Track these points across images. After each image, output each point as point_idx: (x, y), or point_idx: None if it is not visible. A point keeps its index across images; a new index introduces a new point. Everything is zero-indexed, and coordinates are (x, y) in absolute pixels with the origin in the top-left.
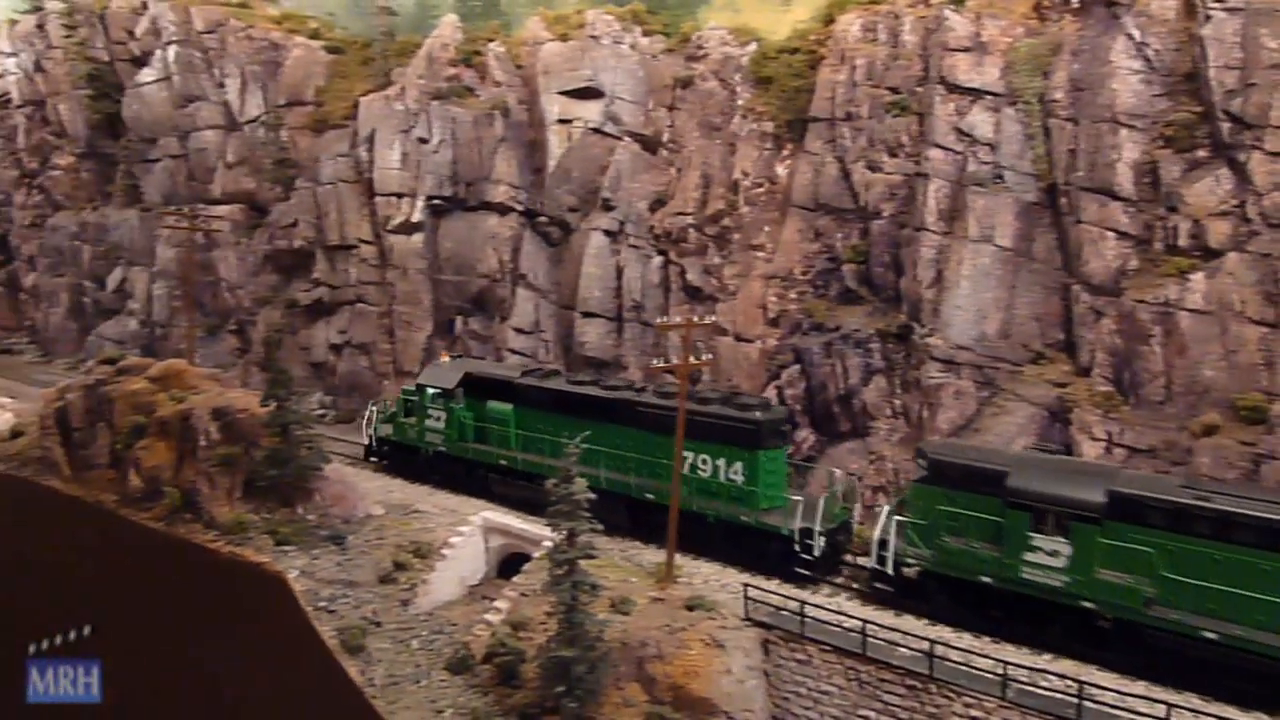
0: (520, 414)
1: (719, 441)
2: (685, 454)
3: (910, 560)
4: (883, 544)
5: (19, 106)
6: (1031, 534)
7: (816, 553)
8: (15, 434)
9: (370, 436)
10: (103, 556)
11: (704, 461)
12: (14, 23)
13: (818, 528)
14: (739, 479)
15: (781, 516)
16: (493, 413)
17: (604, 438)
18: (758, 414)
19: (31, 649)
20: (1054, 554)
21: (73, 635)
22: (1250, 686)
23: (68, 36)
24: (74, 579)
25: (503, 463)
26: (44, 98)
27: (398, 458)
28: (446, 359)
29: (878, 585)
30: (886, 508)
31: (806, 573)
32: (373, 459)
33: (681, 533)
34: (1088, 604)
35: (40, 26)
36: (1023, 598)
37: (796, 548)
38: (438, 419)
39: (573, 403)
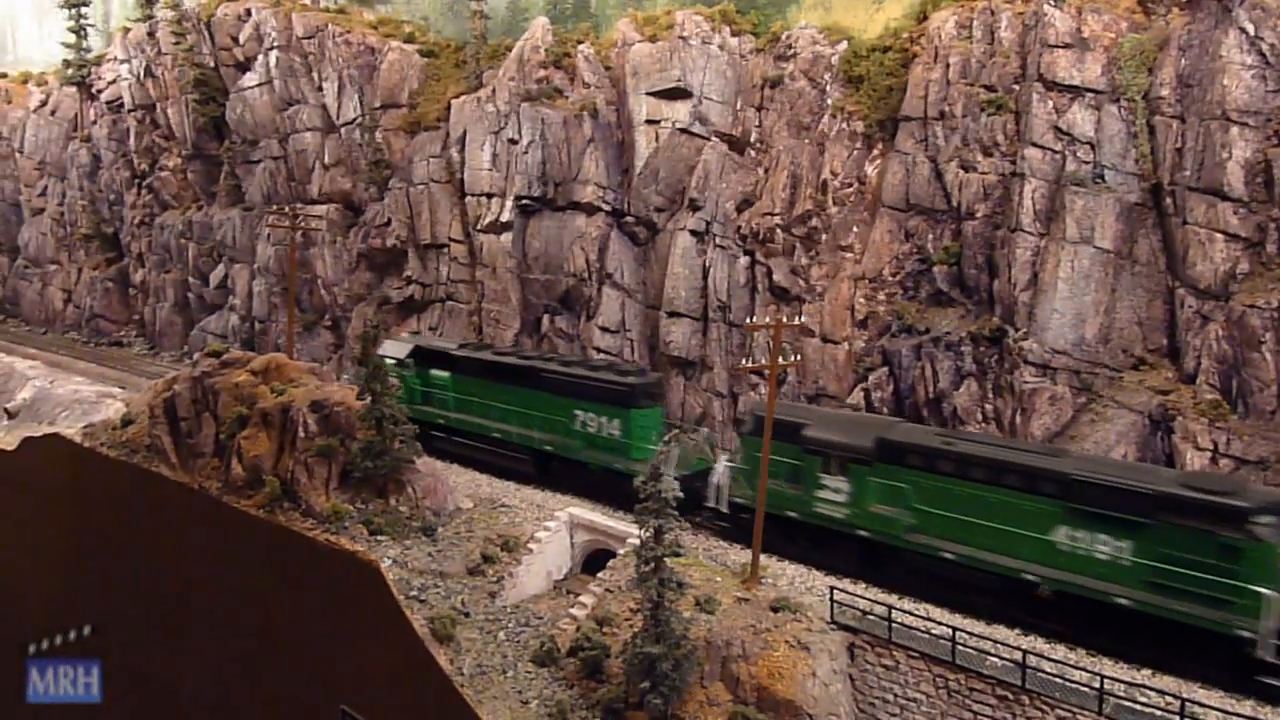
0: (455, 380)
1: (601, 401)
2: (576, 412)
3: (738, 499)
4: (718, 487)
5: (131, 110)
6: (821, 475)
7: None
8: (126, 422)
9: None
10: (208, 540)
11: (591, 419)
12: (127, 30)
13: (672, 474)
14: (616, 433)
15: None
16: (435, 380)
17: (515, 399)
18: (632, 379)
19: (31, 649)
20: (838, 491)
21: (73, 635)
22: (980, 598)
23: (176, 43)
24: (182, 562)
25: (440, 421)
26: (154, 102)
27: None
28: (405, 335)
29: (718, 521)
30: (724, 457)
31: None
32: None
33: (569, 478)
34: (863, 532)
35: (151, 34)
36: (818, 528)
37: None
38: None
39: (492, 369)
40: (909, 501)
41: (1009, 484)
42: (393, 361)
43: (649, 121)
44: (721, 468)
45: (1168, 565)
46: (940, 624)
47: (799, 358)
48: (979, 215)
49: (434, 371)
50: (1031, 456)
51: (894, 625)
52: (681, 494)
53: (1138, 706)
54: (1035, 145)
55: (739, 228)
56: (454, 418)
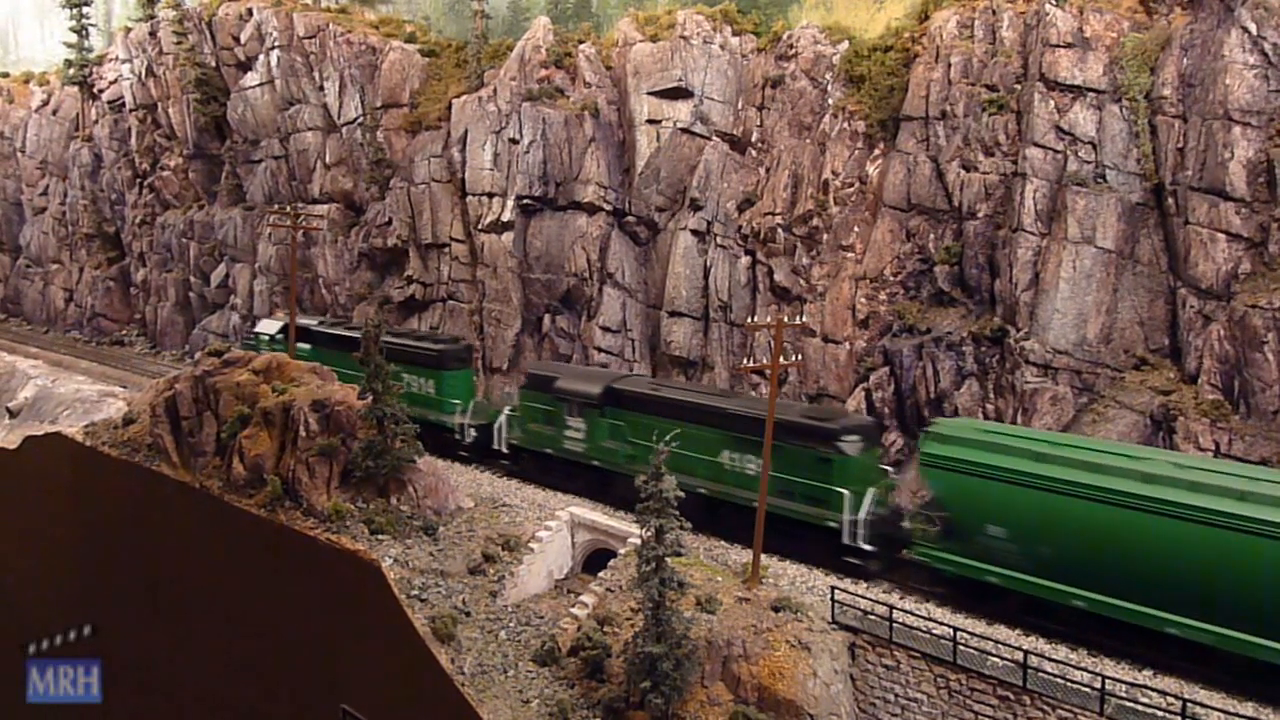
0: (314, 352)
1: (420, 365)
2: (403, 375)
3: (515, 441)
4: (499, 432)
5: (132, 110)
6: (566, 418)
7: (468, 439)
8: (127, 421)
9: None
10: (209, 539)
11: (414, 380)
12: (128, 30)
13: (469, 422)
14: (431, 391)
15: (453, 418)
16: (300, 352)
17: (328, 359)
18: (442, 346)
19: (31, 649)
20: (578, 430)
21: (73, 635)
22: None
23: (178, 43)
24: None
25: None
26: (155, 101)
27: None
28: (280, 315)
29: (501, 461)
30: (507, 408)
31: (465, 454)
32: None
33: None
34: (596, 462)
35: (152, 34)
36: (568, 461)
37: (458, 436)
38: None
39: (337, 340)
40: (626, 436)
41: (693, 419)
42: (266, 337)
43: (650, 121)
44: (502, 418)
45: (789, 476)
46: (941, 624)
47: (800, 357)
48: (980, 215)
49: (299, 345)
50: (708, 398)
51: (895, 625)
52: (477, 434)
53: (1139, 707)
54: (1037, 145)
55: (740, 227)
56: None
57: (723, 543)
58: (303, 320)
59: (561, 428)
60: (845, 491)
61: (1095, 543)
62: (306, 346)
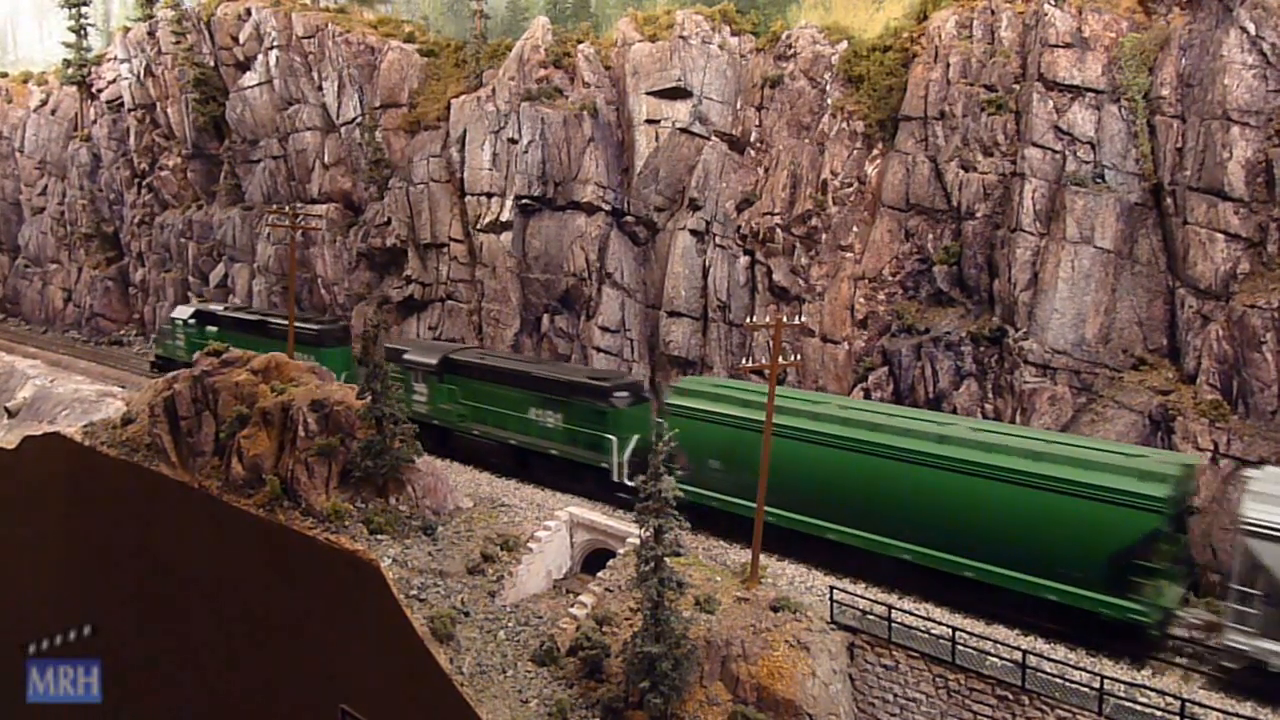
0: (220, 334)
1: (302, 343)
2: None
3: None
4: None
5: (131, 110)
6: (414, 384)
7: None
8: (126, 421)
9: (155, 355)
10: (208, 539)
11: (298, 357)
12: (127, 30)
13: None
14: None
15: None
16: (209, 334)
17: (255, 345)
18: (320, 326)
19: (31, 649)
20: (422, 394)
21: (73, 635)
22: (503, 460)
23: (176, 43)
24: (182, 560)
25: None
26: (154, 101)
27: (166, 367)
28: (195, 302)
29: None
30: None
31: None
32: (156, 371)
33: None
34: (437, 422)
35: (151, 33)
36: (415, 421)
37: None
38: (181, 340)
39: (238, 324)
40: (458, 399)
41: (509, 383)
42: (180, 322)
43: (649, 121)
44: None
45: (575, 427)
46: (940, 624)
47: (799, 357)
48: (979, 215)
49: (207, 328)
50: (521, 364)
51: (894, 625)
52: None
53: (1138, 707)
54: (1035, 145)
55: (739, 227)
56: None
57: (722, 543)
58: (210, 307)
59: (410, 393)
60: (614, 438)
61: (780, 469)
62: (214, 329)
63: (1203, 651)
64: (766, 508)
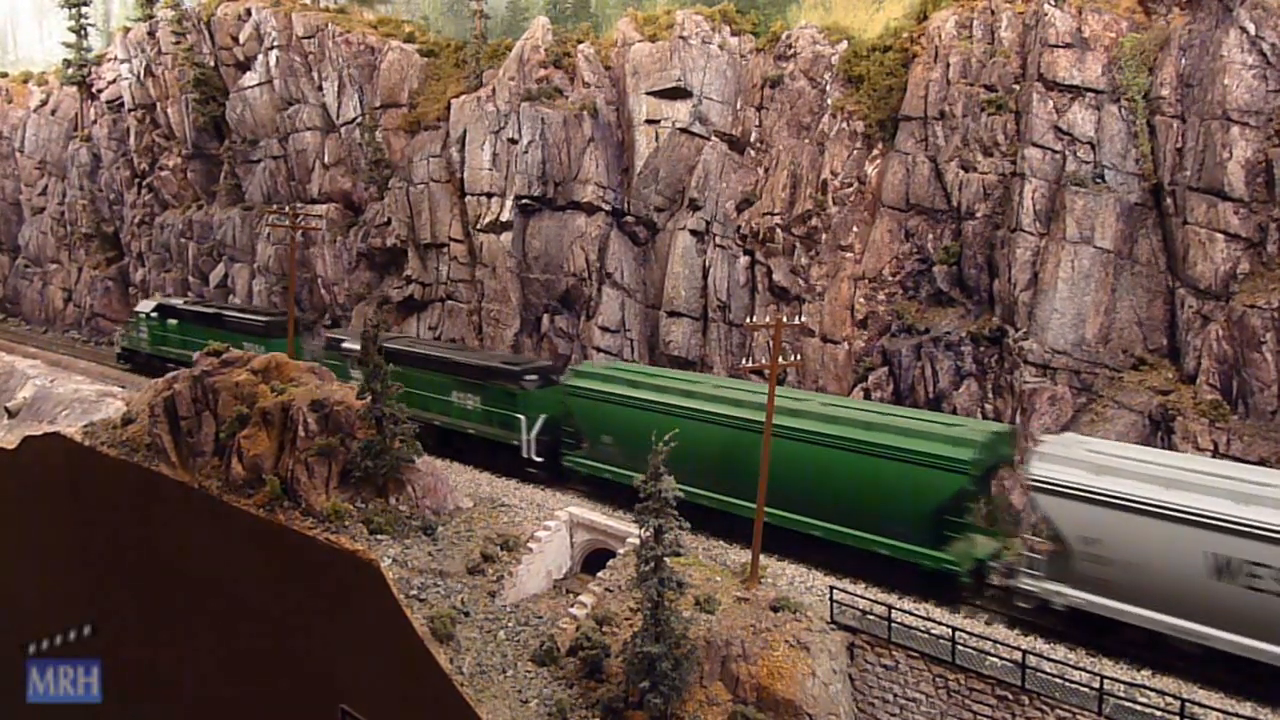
0: (179, 327)
1: (248, 333)
2: (244, 344)
3: None
4: None
5: (131, 110)
6: (350, 371)
7: None
8: (126, 421)
9: (120, 347)
10: (208, 539)
11: (248, 347)
12: (127, 30)
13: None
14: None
15: None
16: (169, 326)
17: (210, 335)
18: (265, 318)
19: (31, 649)
20: (356, 378)
21: (73, 635)
22: (427, 440)
23: (176, 43)
24: (182, 561)
25: (173, 353)
26: (154, 101)
27: (132, 359)
28: (158, 296)
29: None
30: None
31: None
32: (122, 361)
33: None
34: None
35: (151, 34)
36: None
37: None
38: (145, 332)
39: (198, 317)
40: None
41: (434, 368)
42: (144, 315)
43: (649, 121)
44: None
45: (491, 408)
46: (940, 624)
47: (799, 357)
48: (979, 215)
49: (169, 321)
50: (444, 351)
51: (893, 625)
52: None
53: (1137, 707)
54: (1035, 145)
55: (739, 227)
56: (176, 353)
57: (721, 543)
58: (172, 301)
59: (346, 378)
60: (523, 417)
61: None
62: (174, 322)
63: (1006, 596)
64: (625, 471)
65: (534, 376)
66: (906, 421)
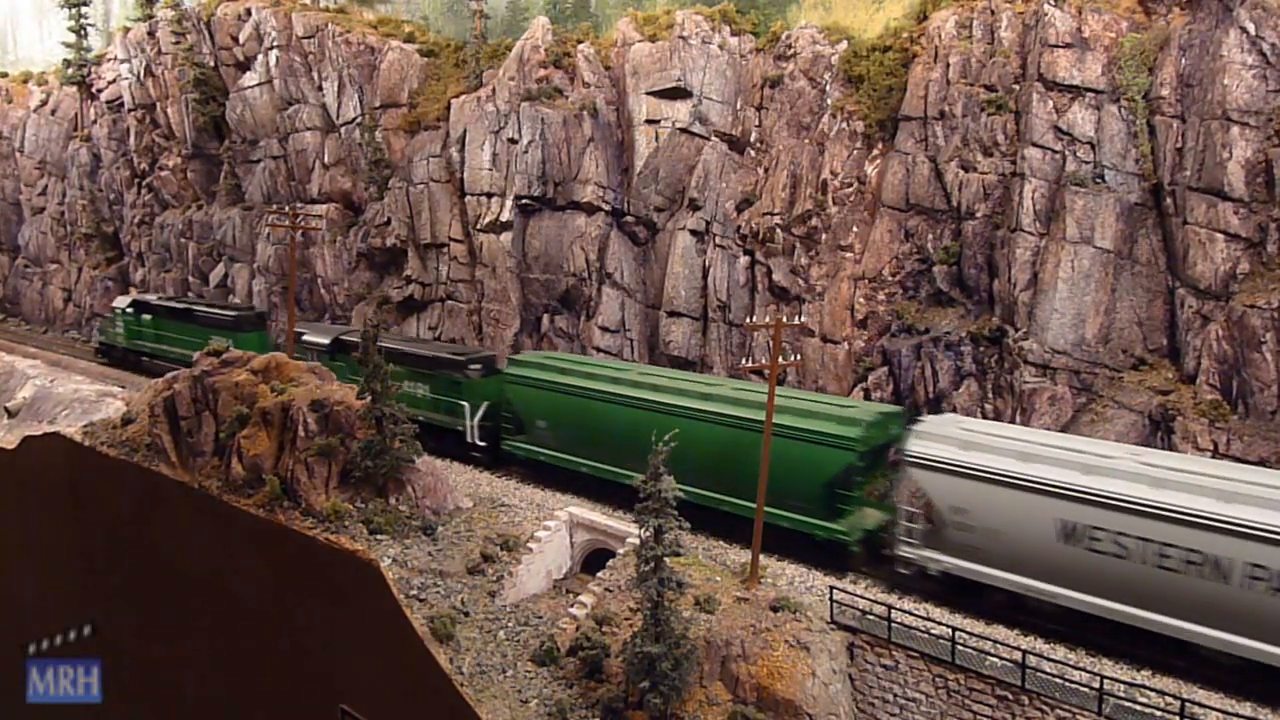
0: (153, 321)
1: (214, 327)
2: (210, 336)
3: None
4: None
5: (131, 110)
6: (310, 360)
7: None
8: (126, 421)
9: (98, 342)
10: (208, 539)
11: (217, 339)
12: (127, 30)
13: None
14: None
15: None
16: (145, 322)
17: (180, 330)
18: (233, 313)
19: (31, 649)
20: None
21: (73, 635)
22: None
23: (176, 43)
24: (182, 561)
25: (147, 347)
26: (154, 101)
27: (111, 353)
28: (134, 293)
29: None
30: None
31: None
32: (100, 355)
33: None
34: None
35: (151, 33)
36: None
37: None
38: (120, 327)
39: (167, 312)
40: (346, 375)
41: (389, 359)
42: (120, 310)
43: (649, 121)
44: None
45: (438, 396)
46: (940, 624)
47: (799, 357)
48: (979, 215)
49: (143, 316)
50: (397, 343)
51: (893, 625)
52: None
53: (1137, 707)
54: (1035, 145)
55: (739, 227)
56: (150, 346)
57: (721, 543)
58: (146, 297)
59: None
60: (467, 404)
61: (594, 426)
62: (148, 317)
63: (890, 563)
64: (565, 455)
65: (477, 366)
66: (807, 404)
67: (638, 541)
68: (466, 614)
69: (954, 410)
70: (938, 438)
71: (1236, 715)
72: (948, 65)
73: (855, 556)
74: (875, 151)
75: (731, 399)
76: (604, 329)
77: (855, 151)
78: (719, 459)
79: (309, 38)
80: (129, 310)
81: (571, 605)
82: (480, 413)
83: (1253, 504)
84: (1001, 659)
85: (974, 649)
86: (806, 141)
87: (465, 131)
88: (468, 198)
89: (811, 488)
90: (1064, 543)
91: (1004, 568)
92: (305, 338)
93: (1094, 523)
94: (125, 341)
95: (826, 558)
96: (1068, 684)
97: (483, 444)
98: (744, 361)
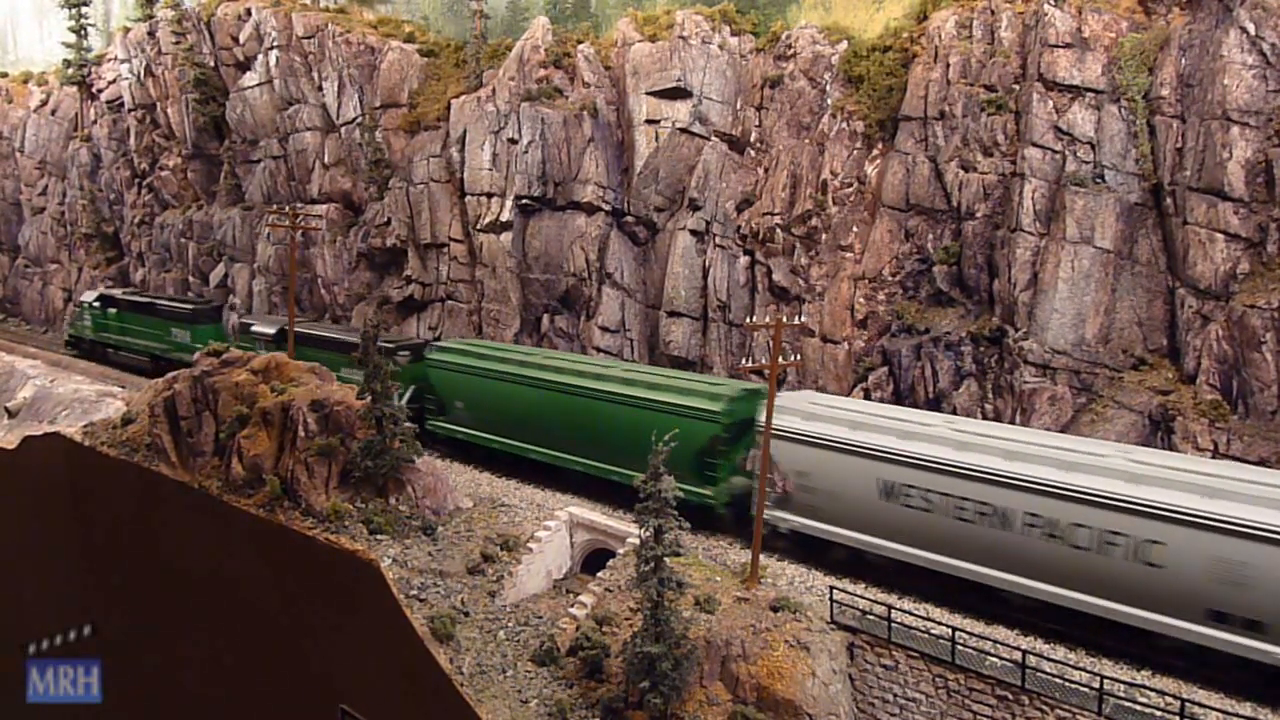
0: (118, 315)
1: (181, 320)
2: (172, 329)
3: None
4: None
5: (131, 110)
6: (260, 350)
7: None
8: (126, 421)
9: (68, 334)
10: (208, 539)
11: (176, 331)
12: (127, 30)
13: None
14: (186, 339)
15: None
16: (110, 315)
17: (143, 322)
18: (195, 305)
19: (31, 649)
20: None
21: (73, 635)
22: None
23: (176, 43)
24: (182, 561)
25: (112, 339)
26: (154, 101)
27: (80, 345)
28: (102, 287)
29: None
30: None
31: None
32: (70, 348)
33: (171, 365)
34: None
35: (151, 34)
36: None
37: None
38: (88, 320)
39: (130, 305)
40: (302, 357)
41: (327, 347)
42: (88, 304)
43: (649, 121)
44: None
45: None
46: (940, 624)
47: (799, 357)
48: (979, 215)
49: (109, 310)
50: (334, 332)
51: (893, 625)
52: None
53: (1137, 707)
54: (1035, 145)
55: (739, 227)
56: (115, 338)
57: (722, 543)
58: (112, 291)
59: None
60: (408, 391)
61: (503, 406)
62: (113, 310)
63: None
64: (479, 433)
65: (406, 352)
66: (683, 383)
67: (638, 541)
68: (466, 614)
69: (954, 410)
70: (788, 410)
71: (1236, 715)
72: (948, 65)
73: (723, 519)
74: (875, 151)
75: (618, 379)
76: (604, 329)
77: (855, 151)
78: (609, 432)
79: (309, 38)
80: (95, 304)
81: (571, 605)
82: (407, 396)
83: (1032, 461)
84: (1001, 659)
85: (974, 649)
86: (806, 141)
87: (465, 131)
88: (468, 198)
89: (684, 457)
90: (885, 500)
91: (841, 525)
92: (252, 328)
93: (906, 481)
94: (92, 334)
95: (699, 520)
96: (1068, 684)
97: (409, 424)
98: (744, 361)
